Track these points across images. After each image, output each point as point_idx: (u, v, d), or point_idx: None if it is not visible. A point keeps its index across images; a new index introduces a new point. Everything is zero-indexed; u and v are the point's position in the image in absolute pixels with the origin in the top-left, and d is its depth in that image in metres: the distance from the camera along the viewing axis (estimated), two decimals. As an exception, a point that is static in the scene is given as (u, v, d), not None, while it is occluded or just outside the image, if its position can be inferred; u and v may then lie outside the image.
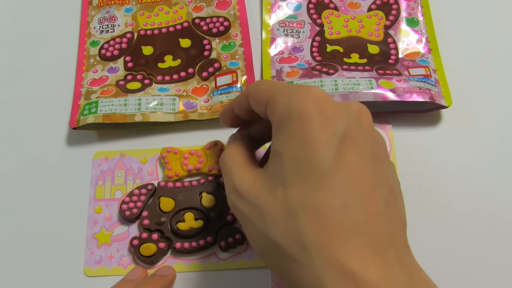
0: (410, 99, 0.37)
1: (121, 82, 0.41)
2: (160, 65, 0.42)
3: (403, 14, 0.44)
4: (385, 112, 0.40)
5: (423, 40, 0.43)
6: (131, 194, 0.37)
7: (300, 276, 0.22)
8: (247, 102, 0.29)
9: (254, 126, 0.33)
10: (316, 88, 0.25)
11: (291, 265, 0.23)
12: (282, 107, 0.25)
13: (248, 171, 0.27)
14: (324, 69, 0.40)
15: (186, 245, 0.35)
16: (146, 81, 0.41)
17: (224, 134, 0.40)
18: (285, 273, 0.24)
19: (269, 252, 0.24)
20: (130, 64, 0.43)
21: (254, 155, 0.31)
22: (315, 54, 0.42)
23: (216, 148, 0.38)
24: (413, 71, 0.40)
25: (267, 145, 0.36)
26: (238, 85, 0.40)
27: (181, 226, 0.35)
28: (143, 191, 0.37)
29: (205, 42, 0.43)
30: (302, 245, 0.22)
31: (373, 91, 0.38)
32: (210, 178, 0.37)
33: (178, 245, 0.35)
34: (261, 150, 0.37)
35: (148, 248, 0.35)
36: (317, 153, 0.23)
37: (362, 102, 0.37)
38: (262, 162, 0.31)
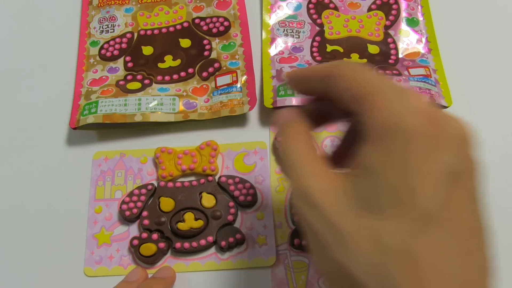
0: (410, 99, 0.37)
1: (121, 82, 0.41)
2: (160, 65, 0.42)
3: (403, 14, 0.44)
4: (385, 112, 0.40)
5: (423, 40, 0.43)
6: (131, 194, 0.37)
7: None
8: (326, 83, 0.23)
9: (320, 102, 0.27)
10: (426, 99, 0.21)
11: None
12: (385, 114, 0.20)
13: (322, 174, 0.22)
14: (324, 69, 0.40)
15: (186, 245, 0.35)
16: (146, 81, 0.41)
17: (223, 134, 0.40)
18: None
19: (340, 280, 0.21)
20: (130, 64, 0.43)
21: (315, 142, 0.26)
22: (315, 54, 0.42)
23: (210, 148, 0.38)
24: (413, 71, 0.40)
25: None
26: (238, 85, 0.40)
27: (181, 226, 0.35)
28: (143, 191, 0.37)
29: (205, 42, 0.43)
30: None
31: (373, 91, 0.37)
32: (210, 178, 0.37)
33: (178, 245, 0.35)
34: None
35: (148, 248, 0.35)
36: (424, 187, 0.19)
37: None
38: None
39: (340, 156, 0.27)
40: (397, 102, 0.20)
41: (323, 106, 0.26)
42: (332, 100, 0.23)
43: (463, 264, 0.19)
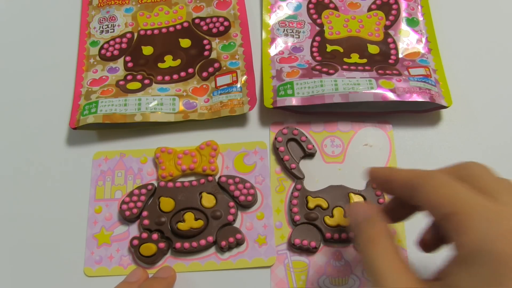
0: (410, 99, 0.37)
1: (121, 82, 0.41)
2: (160, 65, 0.42)
3: (403, 14, 0.44)
4: (385, 112, 0.40)
5: (423, 40, 0.43)
6: (131, 194, 0.37)
7: None
8: (410, 192, 0.24)
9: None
10: None
11: None
12: (477, 238, 0.21)
13: (407, 284, 0.22)
14: (324, 69, 0.40)
15: (186, 245, 0.35)
16: (146, 81, 0.41)
17: (223, 134, 0.40)
18: None
19: None
20: (130, 64, 0.43)
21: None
22: (315, 54, 0.42)
23: (210, 148, 0.38)
24: (413, 71, 0.40)
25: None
26: (238, 85, 0.40)
27: (181, 226, 0.35)
28: (143, 191, 0.37)
29: (205, 42, 0.43)
30: None
31: (373, 91, 0.37)
32: (210, 178, 0.37)
33: (178, 245, 0.35)
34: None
35: (148, 248, 0.35)
36: None
37: (362, 102, 0.38)
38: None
39: (426, 244, 0.28)
40: (488, 225, 0.20)
41: (403, 204, 0.27)
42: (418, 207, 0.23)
43: None
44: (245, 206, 0.37)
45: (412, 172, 0.25)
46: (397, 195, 0.27)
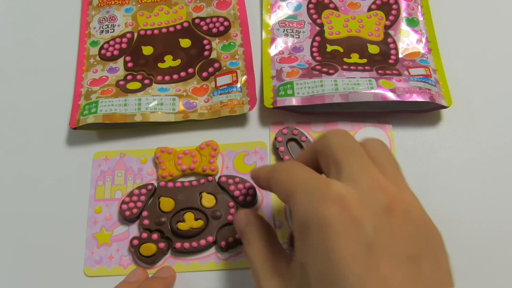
0: (410, 99, 0.37)
1: (121, 82, 0.41)
2: (160, 65, 0.42)
3: (403, 14, 0.44)
4: (385, 112, 0.40)
5: (423, 40, 0.43)
6: (131, 194, 0.37)
7: None
8: (269, 186, 0.27)
9: None
10: (337, 184, 0.23)
11: None
12: (300, 212, 0.23)
13: (275, 271, 0.25)
14: (324, 69, 0.40)
15: (186, 245, 0.35)
16: (146, 81, 0.41)
17: (223, 134, 0.40)
18: None
19: None
20: (130, 64, 0.43)
21: (275, 233, 0.30)
22: (315, 54, 0.42)
23: (210, 148, 0.38)
24: (413, 71, 0.40)
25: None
26: (238, 85, 0.40)
27: (181, 226, 0.35)
28: (143, 191, 0.37)
29: (205, 42, 0.43)
30: None
31: (373, 91, 0.38)
32: (210, 178, 0.37)
33: (178, 245, 0.35)
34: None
35: (148, 248, 0.35)
36: (344, 269, 0.21)
37: (362, 102, 0.38)
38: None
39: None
40: (310, 198, 0.22)
41: None
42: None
43: None
44: (245, 206, 0.37)
45: (268, 170, 0.28)
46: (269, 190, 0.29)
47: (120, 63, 0.43)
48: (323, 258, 0.21)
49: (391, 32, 0.43)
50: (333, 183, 0.23)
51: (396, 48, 0.42)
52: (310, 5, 0.45)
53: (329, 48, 0.42)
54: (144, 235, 0.36)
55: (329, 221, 0.21)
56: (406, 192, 0.25)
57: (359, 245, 0.21)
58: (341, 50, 0.42)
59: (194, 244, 0.35)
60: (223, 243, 0.35)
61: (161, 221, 0.36)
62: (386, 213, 0.23)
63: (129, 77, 0.42)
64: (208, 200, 0.36)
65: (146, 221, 0.36)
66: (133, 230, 0.37)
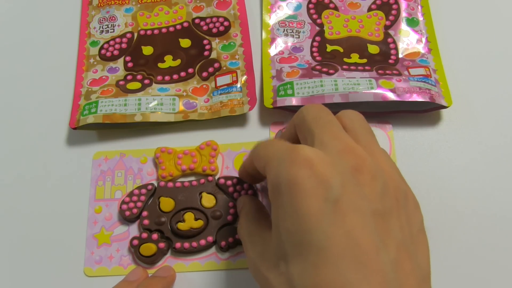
0: (410, 99, 0.37)
1: (121, 82, 0.41)
2: (160, 65, 0.42)
3: (403, 14, 0.44)
4: (385, 112, 0.40)
5: (423, 40, 0.43)
6: (131, 194, 0.37)
7: None
8: (253, 166, 0.29)
9: None
10: (305, 148, 0.23)
11: None
12: (272, 177, 0.24)
13: (259, 240, 0.27)
14: (324, 69, 0.40)
15: (186, 245, 0.35)
16: (146, 81, 0.41)
17: (223, 134, 0.40)
18: None
19: None
20: (130, 64, 0.43)
21: (266, 211, 0.32)
22: (315, 54, 0.42)
23: (210, 148, 0.38)
24: (413, 71, 0.40)
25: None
26: (238, 85, 0.40)
27: (181, 226, 0.35)
28: (143, 191, 0.37)
29: (205, 42, 0.43)
30: None
31: (373, 91, 0.38)
32: (210, 178, 0.37)
33: (178, 245, 0.35)
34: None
35: (148, 248, 0.35)
36: (310, 225, 0.21)
37: (362, 102, 0.38)
38: None
39: None
40: (280, 164, 0.24)
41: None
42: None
43: (362, 280, 0.21)
44: None
45: (251, 151, 0.30)
46: (258, 178, 0.32)
47: (120, 63, 0.43)
48: (292, 216, 0.22)
49: (391, 32, 0.43)
50: (302, 147, 0.24)
51: (396, 48, 0.42)
52: (310, 5, 0.45)
53: (329, 48, 0.42)
54: (144, 235, 0.36)
55: (297, 181, 0.22)
56: (379, 157, 0.26)
57: (325, 202, 0.22)
58: (341, 50, 0.42)
59: (194, 244, 0.35)
60: (223, 243, 0.35)
61: (161, 221, 0.36)
62: (354, 172, 0.23)
63: (129, 77, 0.42)
64: (208, 200, 0.36)
65: (146, 221, 0.36)
66: (133, 230, 0.37)
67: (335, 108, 0.40)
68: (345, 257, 0.21)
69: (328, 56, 0.42)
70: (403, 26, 0.43)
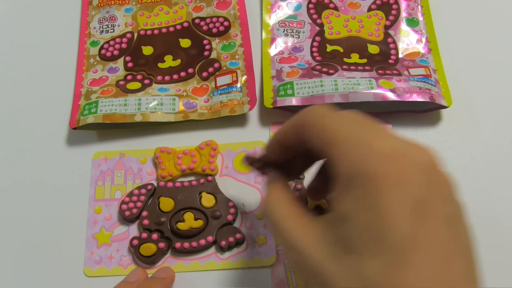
0: (410, 99, 0.37)
1: (121, 82, 0.41)
2: (160, 65, 0.42)
3: (403, 14, 0.44)
4: (385, 112, 0.40)
5: (423, 40, 0.43)
6: (130, 194, 0.37)
7: None
8: (300, 135, 0.26)
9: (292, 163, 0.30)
10: (388, 137, 0.22)
11: None
12: (350, 164, 0.22)
13: (302, 225, 0.24)
14: (324, 69, 0.40)
15: (186, 245, 0.35)
16: (146, 81, 0.41)
17: (223, 134, 0.40)
18: None
19: None
20: (130, 64, 0.43)
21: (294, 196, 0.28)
22: (315, 54, 0.42)
23: (209, 147, 0.38)
24: (413, 71, 0.40)
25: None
26: (238, 85, 0.40)
27: (181, 226, 0.35)
28: (143, 191, 0.37)
29: (205, 42, 0.43)
30: None
31: (373, 91, 0.37)
32: (210, 178, 0.37)
33: (178, 245, 0.35)
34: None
35: (148, 248, 0.35)
36: (393, 224, 0.20)
37: (362, 102, 0.37)
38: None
39: (317, 191, 0.31)
40: (361, 150, 0.22)
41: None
42: (307, 149, 0.26)
43: (439, 285, 0.20)
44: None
45: (297, 116, 0.26)
46: (292, 151, 0.28)
47: (120, 63, 0.43)
48: (371, 212, 0.21)
49: (391, 32, 0.43)
50: (380, 138, 0.22)
51: (396, 48, 0.42)
52: (310, 5, 0.45)
53: (329, 48, 0.42)
54: (144, 235, 0.36)
55: (383, 176, 0.21)
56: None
57: (408, 201, 0.21)
58: (341, 50, 0.42)
59: (194, 244, 0.35)
60: (223, 243, 0.35)
61: (161, 221, 0.36)
62: (429, 169, 0.22)
63: (129, 77, 0.42)
64: (207, 200, 0.36)
65: (146, 221, 0.36)
66: (133, 230, 0.37)
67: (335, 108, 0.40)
68: (425, 261, 0.20)
69: (328, 56, 0.42)
70: (403, 26, 0.43)
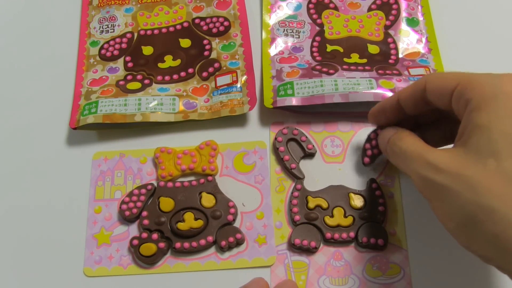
0: (410, 99, 0.37)
1: (121, 82, 0.41)
2: (160, 65, 0.42)
3: (403, 14, 0.44)
4: (385, 112, 0.40)
5: (423, 40, 0.43)
6: (130, 194, 0.37)
7: None
8: (421, 91, 0.30)
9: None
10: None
11: (508, 230, 0.24)
12: (486, 87, 0.26)
13: (436, 150, 0.28)
14: (324, 69, 0.40)
15: (186, 245, 0.35)
16: (146, 81, 0.41)
17: (223, 134, 0.40)
18: (497, 241, 0.24)
19: (477, 222, 0.25)
20: (130, 64, 0.43)
21: None
22: (315, 54, 0.42)
23: (209, 147, 0.38)
24: (413, 71, 0.40)
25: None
26: (238, 85, 0.40)
27: (181, 226, 0.35)
28: (143, 191, 0.37)
29: (205, 42, 0.43)
30: None
31: (373, 91, 0.37)
32: (210, 178, 0.37)
33: (178, 245, 0.35)
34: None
35: (148, 248, 0.35)
36: None
37: (362, 102, 0.38)
38: None
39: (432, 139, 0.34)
40: (496, 79, 0.27)
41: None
42: (429, 104, 0.30)
43: None
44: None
45: (418, 80, 0.31)
46: (409, 106, 0.32)
47: (120, 63, 0.43)
48: (509, 120, 0.25)
49: (391, 32, 0.43)
50: (505, 75, 0.27)
51: (396, 48, 0.42)
52: (310, 5, 0.45)
53: (329, 48, 0.42)
54: (144, 235, 0.36)
55: None
56: None
57: None
58: (341, 50, 0.42)
59: (194, 244, 0.35)
60: (223, 243, 0.35)
61: (161, 221, 0.36)
62: None
63: (129, 77, 0.42)
64: (207, 200, 0.36)
65: (146, 221, 0.36)
66: (133, 230, 0.37)
67: (335, 108, 0.40)
68: None
69: (328, 56, 0.42)
70: (403, 26, 0.43)
